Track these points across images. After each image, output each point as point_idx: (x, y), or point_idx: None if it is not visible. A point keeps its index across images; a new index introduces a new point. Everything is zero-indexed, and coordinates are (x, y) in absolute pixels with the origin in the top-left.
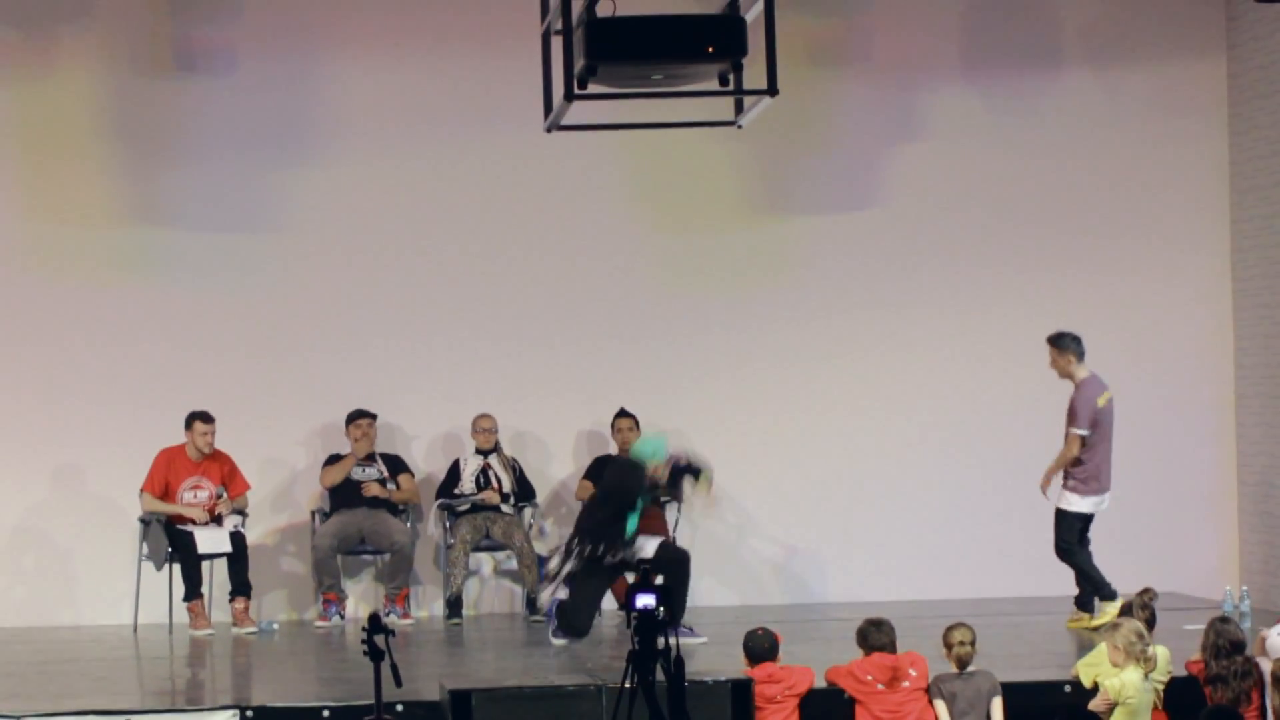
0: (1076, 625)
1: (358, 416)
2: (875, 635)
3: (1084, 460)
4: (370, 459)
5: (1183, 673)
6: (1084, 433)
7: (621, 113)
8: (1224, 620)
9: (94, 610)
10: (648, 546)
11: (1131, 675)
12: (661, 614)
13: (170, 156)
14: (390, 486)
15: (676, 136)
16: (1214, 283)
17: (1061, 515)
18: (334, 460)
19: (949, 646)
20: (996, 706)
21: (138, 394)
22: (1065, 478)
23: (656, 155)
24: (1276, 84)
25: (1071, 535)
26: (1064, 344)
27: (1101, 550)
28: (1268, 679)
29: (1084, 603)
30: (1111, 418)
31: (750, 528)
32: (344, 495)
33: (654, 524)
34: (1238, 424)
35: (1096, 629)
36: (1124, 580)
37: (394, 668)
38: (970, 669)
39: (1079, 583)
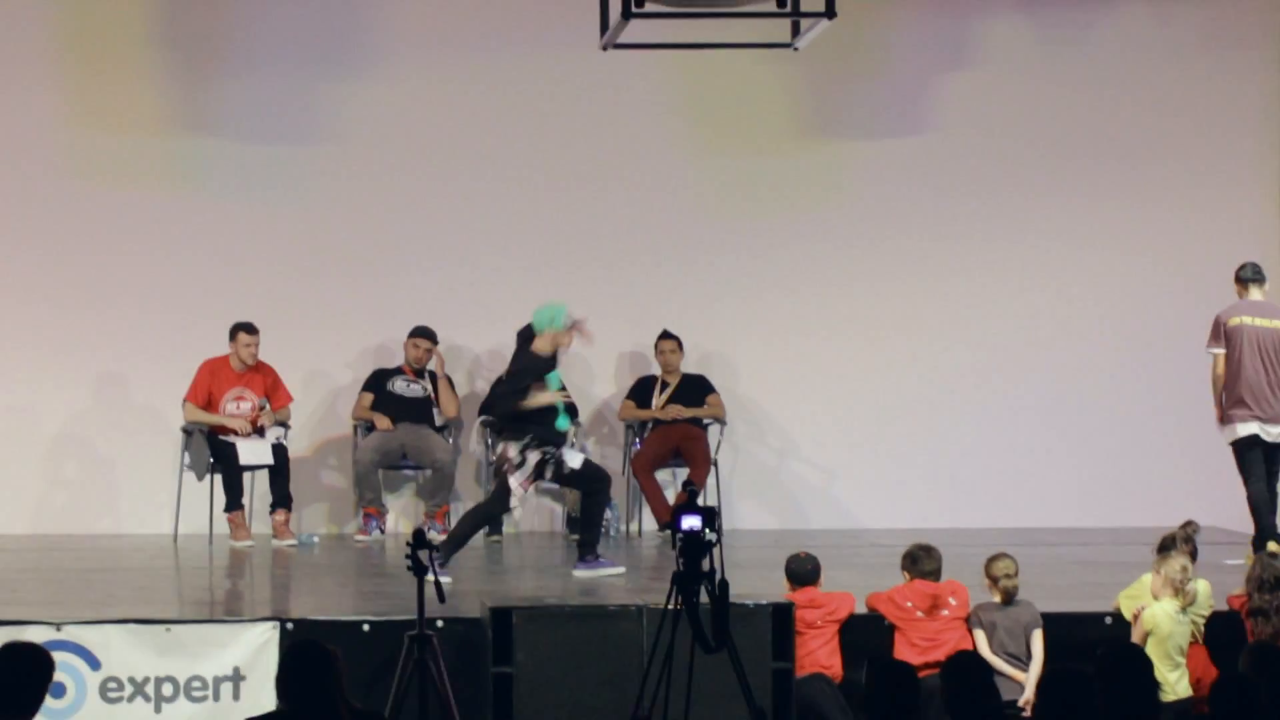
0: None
1: (419, 334)
2: (925, 560)
3: (1226, 384)
4: (419, 374)
5: (1224, 607)
6: (1212, 350)
7: (677, 32)
8: (1272, 555)
9: (135, 519)
10: (574, 458)
11: (1164, 606)
12: (708, 535)
13: (222, 66)
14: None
15: (731, 58)
16: (1263, 217)
17: None
18: (374, 382)
19: (994, 579)
20: (1037, 639)
21: (183, 304)
22: None
23: (710, 76)
24: None
25: (1240, 466)
26: (1237, 274)
27: (1143, 483)
28: None
29: (1259, 540)
30: (1249, 341)
31: (792, 452)
32: (386, 410)
33: (695, 446)
34: None
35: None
36: (1167, 513)
37: (437, 584)
38: (1014, 601)
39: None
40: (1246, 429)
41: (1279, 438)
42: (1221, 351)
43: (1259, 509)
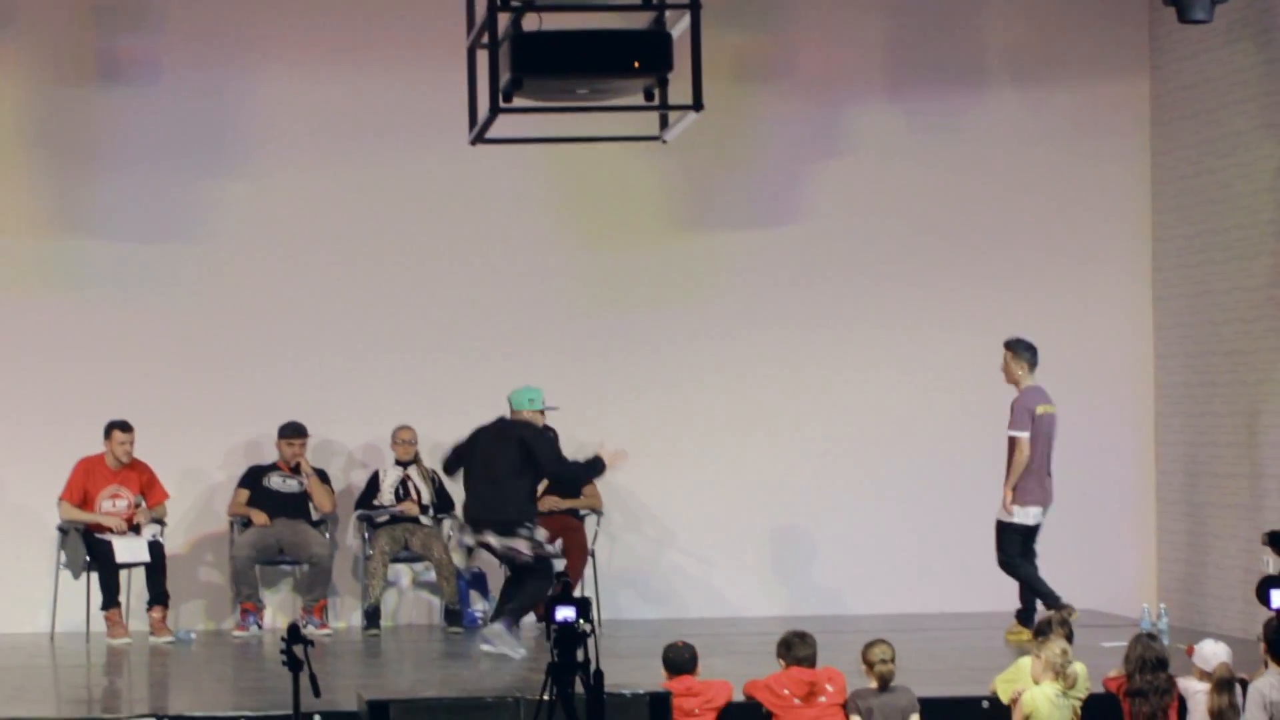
0: (1016, 639)
1: (292, 434)
2: (799, 647)
3: (1030, 468)
4: (294, 470)
5: (1100, 689)
6: (1023, 434)
7: (547, 126)
8: (1150, 637)
9: (11, 618)
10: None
11: (1045, 690)
12: (582, 626)
13: (93, 166)
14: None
15: (601, 151)
16: (1135, 301)
17: (1001, 527)
18: (250, 478)
19: (870, 664)
20: None
21: (58, 403)
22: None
23: (581, 169)
24: (1199, 104)
25: (1013, 547)
26: (1019, 350)
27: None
28: (1194, 688)
29: (1025, 616)
30: (1049, 430)
31: (670, 541)
32: (263, 506)
33: (573, 537)
34: (1157, 442)
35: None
36: None
37: (312, 678)
38: (891, 686)
39: (1022, 596)
40: (1037, 514)
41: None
42: (1027, 436)
43: (1039, 582)
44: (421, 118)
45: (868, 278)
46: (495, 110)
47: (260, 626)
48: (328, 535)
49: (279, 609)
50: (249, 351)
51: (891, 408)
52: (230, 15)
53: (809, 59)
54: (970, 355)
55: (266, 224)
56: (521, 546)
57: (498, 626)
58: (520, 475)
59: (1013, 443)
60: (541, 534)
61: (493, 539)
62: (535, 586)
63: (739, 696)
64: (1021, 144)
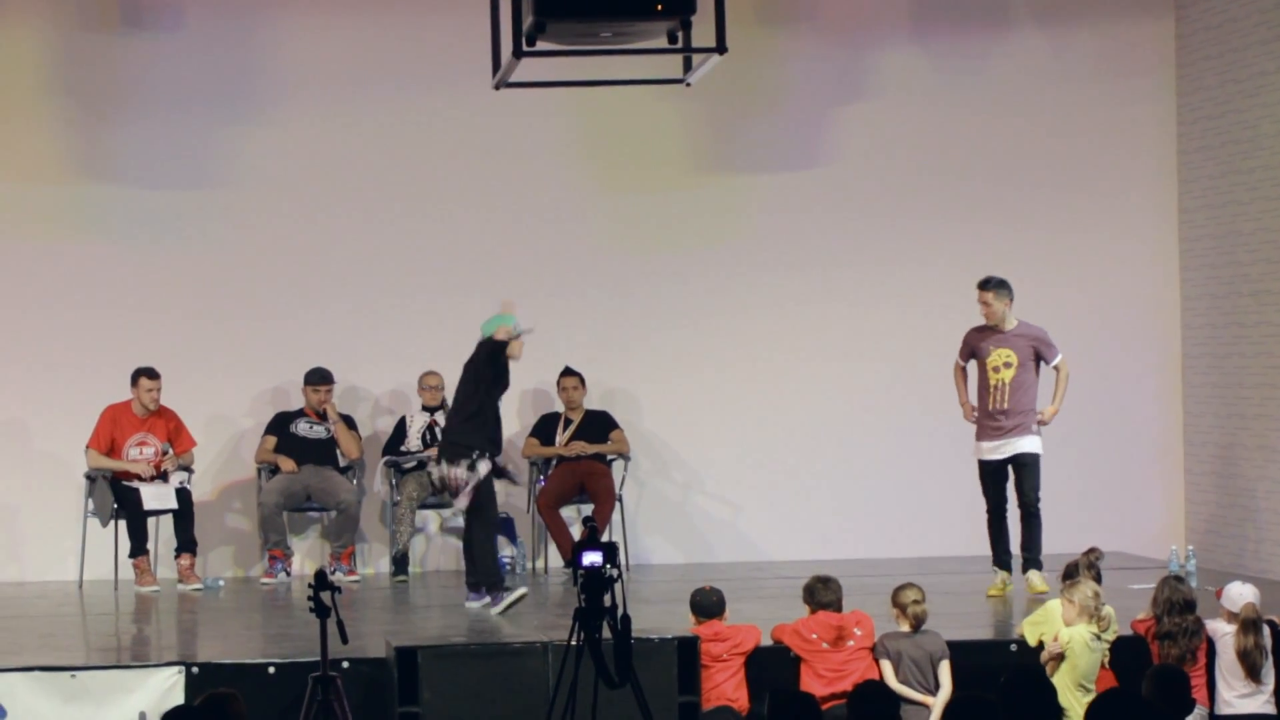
0: (1041, 587)
1: (318, 381)
2: (822, 593)
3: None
4: (321, 416)
5: (1129, 632)
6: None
7: (570, 70)
8: (1178, 579)
9: (39, 566)
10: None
11: (1080, 631)
12: (609, 571)
13: (117, 113)
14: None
15: (625, 95)
16: (1161, 242)
17: (1039, 462)
18: (277, 424)
19: (901, 607)
20: (945, 670)
21: (84, 350)
22: (1037, 422)
23: (605, 113)
24: (1224, 44)
25: None
26: (1002, 289)
27: (1046, 509)
28: (1221, 629)
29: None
30: None
31: (696, 486)
32: (290, 453)
33: (600, 483)
34: (1184, 383)
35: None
36: (1070, 539)
37: (340, 625)
38: (922, 629)
39: (1036, 542)
40: None
41: None
42: None
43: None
44: (444, 63)
45: (892, 219)
46: (518, 54)
47: (288, 573)
48: (355, 481)
49: (307, 556)
50: (275, 298)
51: (917, 349)
52: None
53: (831, 1)
54: None
55: (291, 170)
56: (458, 475)
57: (472, 603)
58: (470, 400)
59: (1062, 364)
60: (484, 468)
61: (434, 469)
62: (481, 547)
63: (767, 641)
64: (1046, 84)
